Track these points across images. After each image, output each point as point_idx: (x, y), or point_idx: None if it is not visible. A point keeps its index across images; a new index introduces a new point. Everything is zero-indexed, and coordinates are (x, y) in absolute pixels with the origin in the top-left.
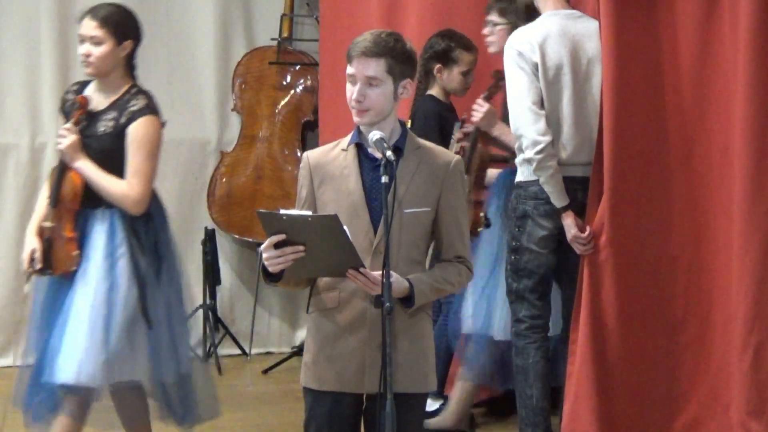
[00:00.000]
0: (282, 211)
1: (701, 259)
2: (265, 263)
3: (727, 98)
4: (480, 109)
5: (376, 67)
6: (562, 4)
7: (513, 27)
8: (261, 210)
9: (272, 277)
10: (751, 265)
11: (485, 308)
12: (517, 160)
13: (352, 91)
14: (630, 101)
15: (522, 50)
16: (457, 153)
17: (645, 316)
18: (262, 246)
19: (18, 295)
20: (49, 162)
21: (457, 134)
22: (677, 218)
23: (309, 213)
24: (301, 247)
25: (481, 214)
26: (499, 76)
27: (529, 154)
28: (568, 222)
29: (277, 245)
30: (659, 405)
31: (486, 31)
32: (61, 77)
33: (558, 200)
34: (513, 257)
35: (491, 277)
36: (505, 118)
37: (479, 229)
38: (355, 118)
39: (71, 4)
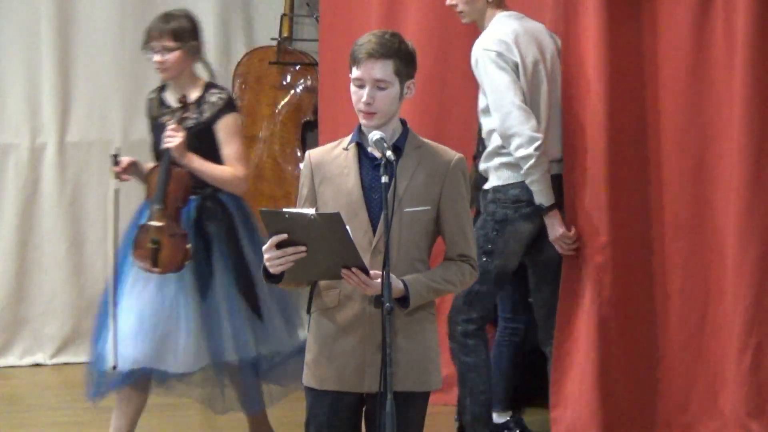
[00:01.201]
0: (284, 210)
1: (697, 260)
2: (266, 264)
3: (724, 99)
4: (177, 135)
5: (384, 70)
6: (506, 7)
7: (190, 50)
8: (264, 208)
9: (273, 279)
10: (749, 266)
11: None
12: (493, 164)
13: (360, 94)
14: (624, 104)
15: (500, 50)
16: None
17: (642, 316)
18: (264, 246)
19: (18, 295)
20: (50, 162)
21: (114, 168)
22: (674, 219)
23: (312, 211)
24: (303, 248)
25: (188, 246)
26: (186, 102)
27: (525, 151)
28: (555, 221)
29: (278, 245)
30: (658, 405)
31: (158, 57)
32: (61, 77)
33: (547, 198)
34: (484, 259)
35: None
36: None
37: (187, 263)
38: (363, 122)
39: (71, 4)
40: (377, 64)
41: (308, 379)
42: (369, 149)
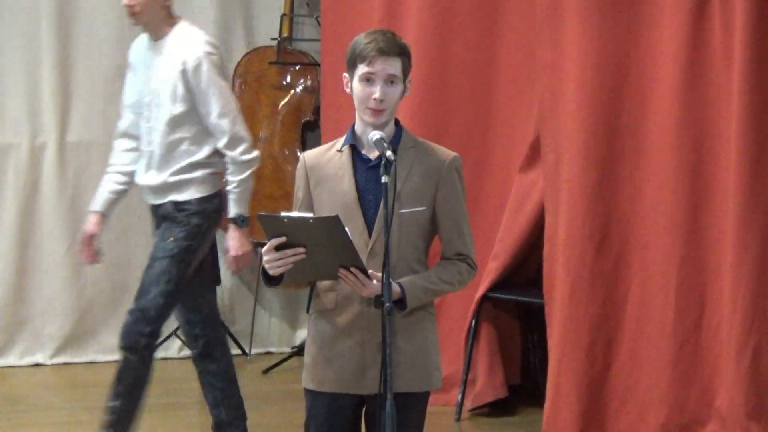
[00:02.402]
0: (283, 214)
1: (695, 259)
2: (265, 266)
3: (721, 98)
4: None
5: (396, 66)
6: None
7: None
8: (261, 213)
9: (272, 281)
10: (749, 266)
11: None
12: (198, 175)
13: (370, 90)
14: (621, 104)
15: (219, 55)
16: None
17: (639, 316)
18: (263, 249)
19: (18, 295)
20: (50, 162)
21: None
22: (672, 218)
23: (310, 215)
24: (302, 249)
25: None
26: None
27: (250, 156)
28: (246, 234)
29: (277, 248)
30: (656, 406)
31: None
32: (61, 77)
33: (247, 208)
34: (184, 273)
35: None
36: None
37: None
38: (370, 119)
39: (71, 4)
40: (390, 60)
41: (307, 380)
42: (363, 151)
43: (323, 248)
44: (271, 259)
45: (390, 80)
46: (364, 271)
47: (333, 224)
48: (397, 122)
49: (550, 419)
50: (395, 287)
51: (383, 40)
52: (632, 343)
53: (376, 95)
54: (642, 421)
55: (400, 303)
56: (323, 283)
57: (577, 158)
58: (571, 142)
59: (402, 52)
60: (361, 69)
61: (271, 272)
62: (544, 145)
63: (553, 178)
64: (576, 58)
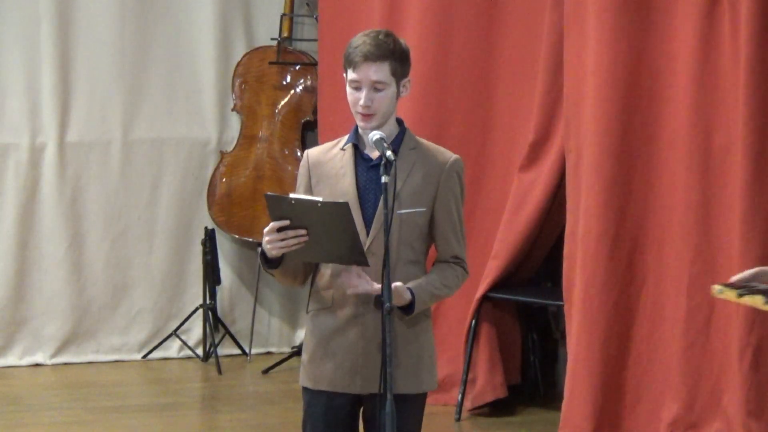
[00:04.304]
0: (291, 195)
1: (703, 260)
2: (267, 247)
3: (729, 100)
4: None
5: (381, 72)
6: None
7: None
8: (269, 193)
9: (271, 264)
10: (751, 266)
11: None
12: None
13: (357, 96)
14: (630, 105)
15: None
16: None
17: (647, 316)
18: (265, 229)
19: (18, 295)
20: (50, 162)
21: None
22: (680, 220)
23: (319, 198)
24: (303, 231)
25: None
26: None
27: None
28: None
29: (279, 230)
30: (658, 404)
31: None
32: (61, 77)
33: None
34: None
35: None
36: None
37: None
38: (361, 124)
39: (71, 4)
40: (374, 66)
41: (304, 378)
42: (365, 151)
43: (326, 233)
44: (272, 240)
45: (374, 86)
46: (365, 261)
47: (341, 210)
48: (400, 123)
49: (567, 417)
50: (406, 294)
51: (371, 44)
52: (646, 342)
53: (361, 102)
54: (654, 419)
55: (408, 308)
56: (321, 281)
57: (591, 157)
58: (586, 141)
59: (390, 56)
60: (350, 74)
61: (271, 253)
62: (567, 145)
63: (574, 177)
64: (591, 60)
